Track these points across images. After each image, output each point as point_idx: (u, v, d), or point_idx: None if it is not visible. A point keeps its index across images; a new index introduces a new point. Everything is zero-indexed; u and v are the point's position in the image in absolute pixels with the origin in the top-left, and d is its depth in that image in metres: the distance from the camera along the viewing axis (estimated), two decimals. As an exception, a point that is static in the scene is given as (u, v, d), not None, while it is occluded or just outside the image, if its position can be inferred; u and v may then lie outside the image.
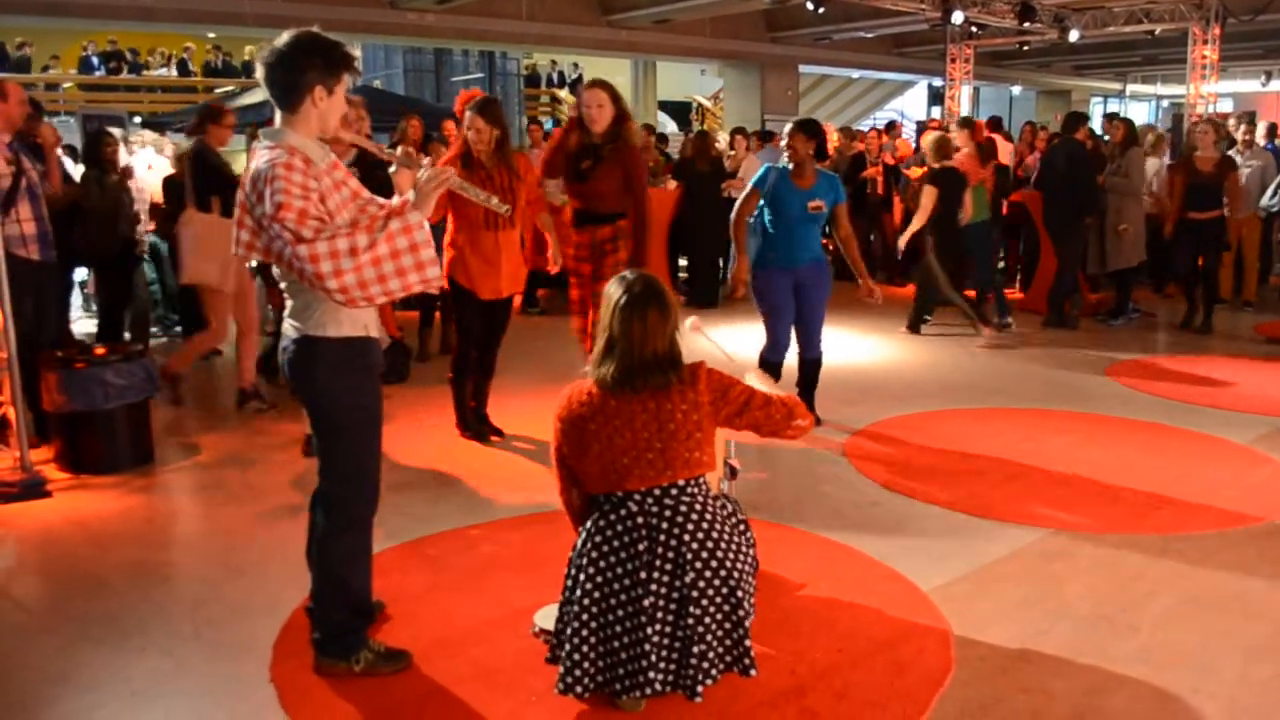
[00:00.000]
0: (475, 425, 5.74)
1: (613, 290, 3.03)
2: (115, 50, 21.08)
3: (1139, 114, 32.38)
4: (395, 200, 3.11)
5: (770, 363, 5.61)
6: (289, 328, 3.05)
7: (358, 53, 2.98)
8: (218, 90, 20.47)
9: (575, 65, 25.71)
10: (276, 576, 3.92)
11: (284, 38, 2.87)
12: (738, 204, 5.81)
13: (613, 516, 2.98)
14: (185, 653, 3.36)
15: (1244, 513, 4.57)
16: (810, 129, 5.70)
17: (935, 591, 3.74)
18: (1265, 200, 9.09)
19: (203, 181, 6.26)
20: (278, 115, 2.94)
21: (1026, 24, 17.30)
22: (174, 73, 21.89)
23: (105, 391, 5.17)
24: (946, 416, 6.29)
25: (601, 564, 2.95)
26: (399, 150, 3.12)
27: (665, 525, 2.92)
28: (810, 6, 15.95)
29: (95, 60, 20.85)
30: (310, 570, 3.20)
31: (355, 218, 2.90)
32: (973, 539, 4.26)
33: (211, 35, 21.47)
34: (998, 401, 6.64)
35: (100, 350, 5.55)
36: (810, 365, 5.87)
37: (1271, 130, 11.09)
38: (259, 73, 2.90)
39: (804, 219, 5.63)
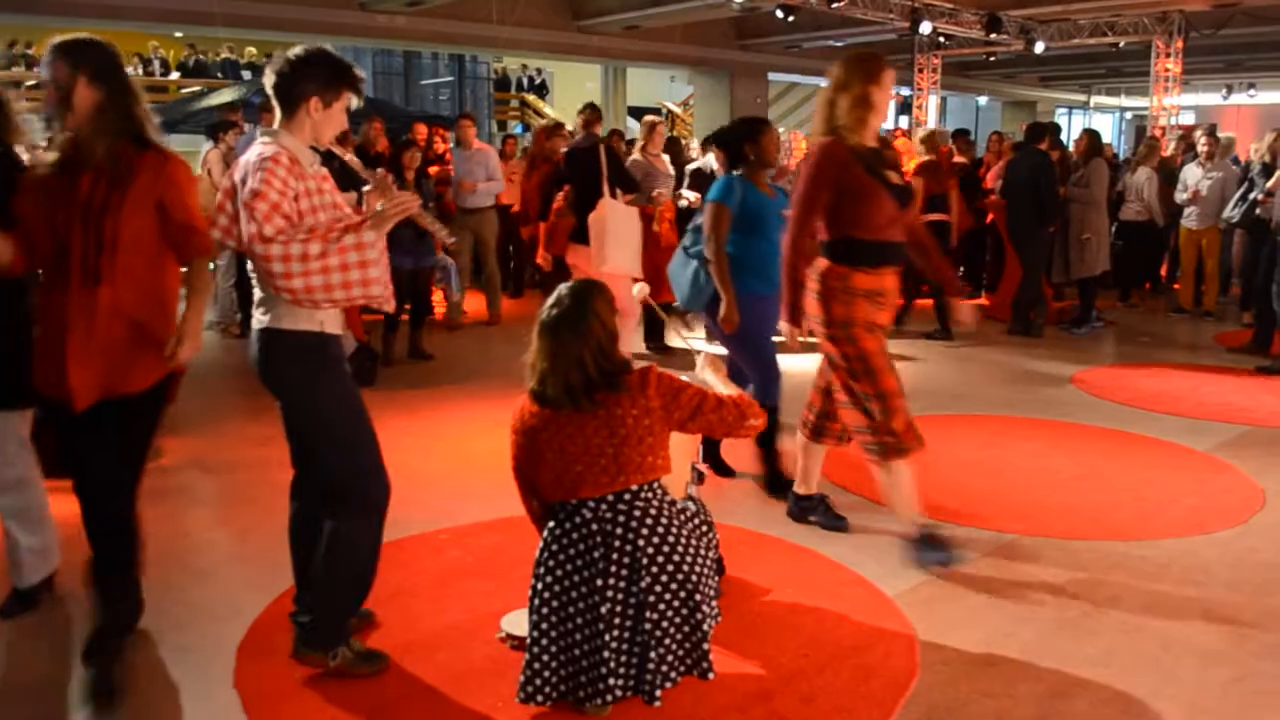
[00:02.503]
0: None
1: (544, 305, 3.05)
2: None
3: (1103, 125, 32.83)
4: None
5: (772, 407, 4.55)
6: (256, 320, 3.11)
7: (363, 75, 3.16)
8: (185, 90, 20.27)
9: (539, 71, 25.70)
10: (240, 581, 3.89)
11: (298, 49, 3.07)
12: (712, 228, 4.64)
13: (568, 525, 2.98)
14: (147, 656, 3.31)
15: (1204, 519, 4.64)
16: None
17: (900, 596, 3.77)
18: (1227, 212, 9.21)
19: (614, 173, 6.77)
20: (279, 117, 3.09)
21: (993, 35, 17.50)
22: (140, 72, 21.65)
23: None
24: (913, 423, 6.32)
25: (559, 573, 2.95)
26: (378, 172, 3.22)
27: (620, 531, 2.92)
28: (780, 15, 16.03)
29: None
30: (322, 568, 3.15)
31: (314, 224, 2.97)
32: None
33: (179, 35, 21.25)
34: (962, 408, 6.70)
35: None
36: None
37: (1230, 144, 11.22)
38: (267, 79, 3.08)
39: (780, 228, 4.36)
